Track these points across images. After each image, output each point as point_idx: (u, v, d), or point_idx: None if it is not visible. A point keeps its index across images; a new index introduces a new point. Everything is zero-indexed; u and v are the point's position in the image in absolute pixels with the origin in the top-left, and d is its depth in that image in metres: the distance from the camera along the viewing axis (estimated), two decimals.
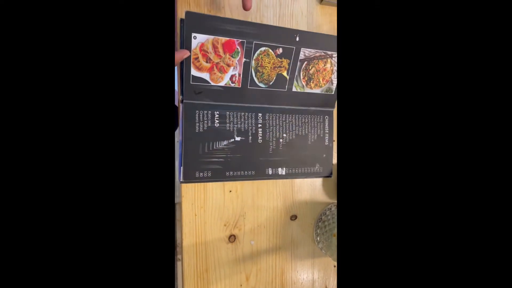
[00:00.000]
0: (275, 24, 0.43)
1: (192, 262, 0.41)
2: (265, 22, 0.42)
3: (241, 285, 0.43)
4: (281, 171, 0.43)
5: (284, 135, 0.42)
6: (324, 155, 0.45)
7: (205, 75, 0.36)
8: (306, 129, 0.44)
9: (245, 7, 0.34)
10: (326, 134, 0.45)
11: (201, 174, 0.38)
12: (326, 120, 0.45)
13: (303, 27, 0.45)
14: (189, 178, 0.38)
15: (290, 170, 0.43)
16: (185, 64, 0.35)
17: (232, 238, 0.42)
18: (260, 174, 0.42)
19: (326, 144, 0.45)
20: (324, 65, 0.42)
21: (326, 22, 0.46)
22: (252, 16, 0.42)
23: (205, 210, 0.41)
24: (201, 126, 0.38)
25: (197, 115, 0.37)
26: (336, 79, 0.43)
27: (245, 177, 0.41)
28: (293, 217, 0.46)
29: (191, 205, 0.40)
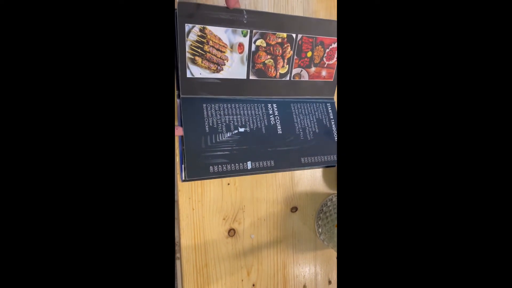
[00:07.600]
0: (270, 10, 0.41)
1: (191, 258, 0.39)
2: (259, 8, 0.41)
3: (242, 280, 0.42)
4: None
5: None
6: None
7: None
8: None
9: (228, 4, 0.32)
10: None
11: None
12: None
13: (298, 13, 0.43)
14: (193, 175, 0.34)
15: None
16: (180, 58, 0.33)
17: (231, 232, 0.41)
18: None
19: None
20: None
21: (322, 8, 0.45)
22: (246, 2, 0.40)
23: (203, 204, 0.39)
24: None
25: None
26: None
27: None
28: (294, 209, 0.45)
29: (188, 199, 0.39)
